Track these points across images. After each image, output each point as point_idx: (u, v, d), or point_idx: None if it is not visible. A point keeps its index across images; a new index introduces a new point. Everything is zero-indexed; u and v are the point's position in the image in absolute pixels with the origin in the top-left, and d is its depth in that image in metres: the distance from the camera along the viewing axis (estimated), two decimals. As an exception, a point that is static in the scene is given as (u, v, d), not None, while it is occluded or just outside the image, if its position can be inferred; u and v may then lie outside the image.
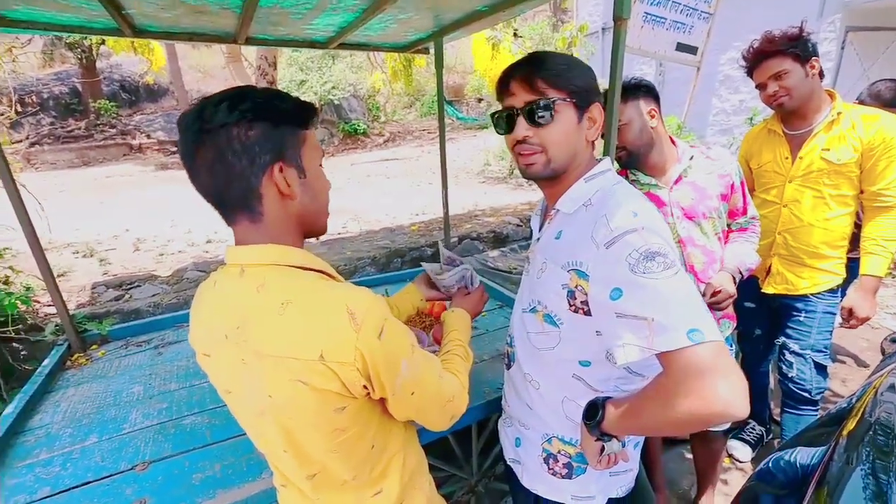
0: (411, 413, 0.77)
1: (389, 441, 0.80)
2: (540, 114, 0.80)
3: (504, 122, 0.86)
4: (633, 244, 0.71)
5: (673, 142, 1.42)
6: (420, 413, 0.78)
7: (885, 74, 2.35)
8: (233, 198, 0.67)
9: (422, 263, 1.25)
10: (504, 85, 0.86)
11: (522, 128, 0.82)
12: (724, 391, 0.62)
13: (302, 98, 0.71)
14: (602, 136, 0.88)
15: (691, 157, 1.40)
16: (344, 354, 0.63)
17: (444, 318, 1.06)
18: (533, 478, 1.00)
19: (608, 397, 0.82)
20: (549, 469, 0.97)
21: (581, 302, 0.80)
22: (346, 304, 0.64)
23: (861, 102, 2.10)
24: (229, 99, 0.64)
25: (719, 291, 1.33)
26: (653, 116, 1.36)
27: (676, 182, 1.39)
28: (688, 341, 0.64)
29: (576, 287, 0.79)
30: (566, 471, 0.95)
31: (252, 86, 0.69)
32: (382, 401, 0.74)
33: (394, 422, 0.81)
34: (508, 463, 1.10)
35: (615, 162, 1.44)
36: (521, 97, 0.82)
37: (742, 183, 1.44)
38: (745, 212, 1.47)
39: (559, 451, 0.95)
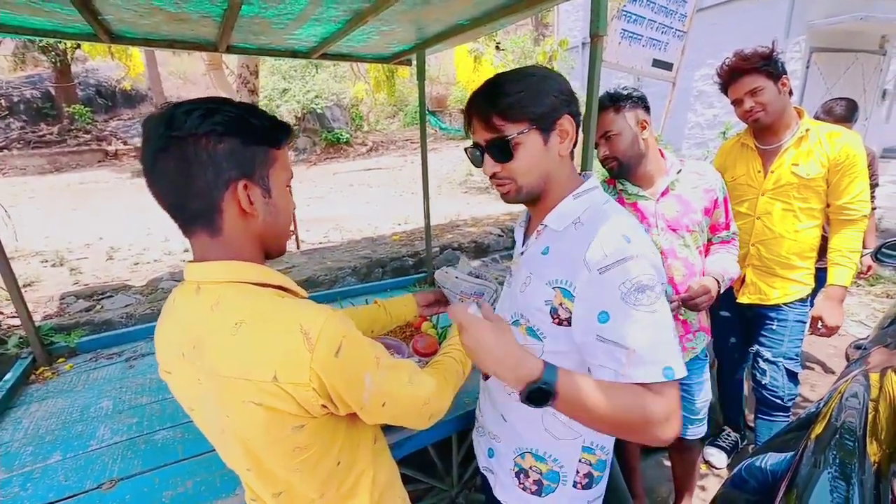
0: (387, 420, 0.76)
1: (357, 457, 0.78)
2: (500, 151, 0.81)
3: (475, 156, 0.87)
4: (627, 273, 0.72)
5: (662, 154, 1.45)
6: (396, 418, 0.77)
7: (846, 92, 2.52)
8: (192, 210, 0.65)
9: (436, 273, 1.20)
10: (467, 120, 0.86)
11: (489, 164, 0.83)
12: (674, 427, 0.70)
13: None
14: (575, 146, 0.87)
15: (679, 171, 1.42)
16: (298, 375, 0.61)
17: (451, 328, 1.04)
18: (504, 490, 1.00)
19: (556, 378, 0.69)
20: (519, 483, 0.97)
21: (564, 318, 0.81)
22: (299, 324, 0.62)
23: (817, 118, 2.25)
24: (202, 108, 0.62)
25: (696, 287, 1.35)
26: (644, 128, 1.38)
27: (663, 194, 1.41)
28: (662, 377, 0.69)
29: (559, 305, 0.80)
30: (536, 487, 0.95)
31: (229, 98, 0.68)
32: (351, 415, 0.72)
33: (362, 436, 0.79)
34: (482, 471, 1.10)
35: (604, 170, 1.46)
36: (481, 135, 0.83)
37: (725, 199, 1.47)
38: (727, 227, 1.51)
39: (531, 467, 0.95)
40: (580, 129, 0.85)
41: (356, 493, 0.78)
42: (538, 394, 0.68)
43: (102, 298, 3.36)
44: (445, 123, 14.49)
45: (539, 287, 0.84)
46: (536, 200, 0.88)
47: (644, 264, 0.73)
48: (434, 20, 1.77)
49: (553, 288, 0.81)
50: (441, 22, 1.81)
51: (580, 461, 0.92)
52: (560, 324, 0.81)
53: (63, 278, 4.08)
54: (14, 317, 2.62)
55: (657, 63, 3.40)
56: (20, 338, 2.22)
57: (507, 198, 0.87)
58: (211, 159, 0.62)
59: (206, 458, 1.24)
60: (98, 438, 1.34)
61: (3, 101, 11.46)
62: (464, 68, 6.99)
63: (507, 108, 0.78)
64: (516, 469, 0.97)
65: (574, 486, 0.93)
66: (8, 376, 1.64)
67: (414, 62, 2.37)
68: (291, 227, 0.79)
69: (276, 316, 0.63)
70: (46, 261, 4.54)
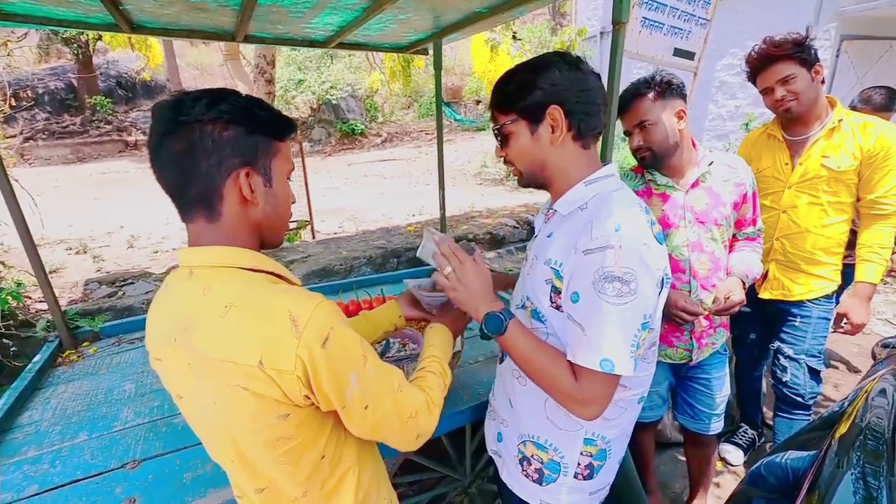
0: (366, 429, 0.72)
1: (343, 454, 0.76)
2: (499, 138, 0.91)
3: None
4: (603, 260, 0.75)
5: (693, 145, 1.40)
6: (378, 429, 0.73)
7: (879, 82, 2.40)
8: (194, 194, 0.66)
9: (405, 280, 1.19)
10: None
11: (498, 150, 0.95)
12: (591, 412, 0.80)
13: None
14: (579, 135, 0.86)
15: (710, 163, 1.38)
16: (283, 362, 0.61)
17: (425, 333, 1.00)
18: (510, 474, 1.03)
19: (511, 316, 0.86)
20: (522, 470, 1.00)
21: (559, 300, 0.84)
22: (288, 310, 0.62)
23: (853, 108, 2.15)
24: (209, 96, 0.64)
25: (728, 298, 1.31)
26: (681, 118, 1.33)
27: (693, 186, 1.37)
28: (597, 367, 0.76)
29: (556, 285, 0.84)
30: (537, 476, 0.97)
31: (236, 90, 0.69)
32: (337, 413, 0.70)
33: (349, 433, 0.76)
34: (491, 454, 1.12)
35: (637, 160, 1.41)
36: (491, 125, 0.94)
37: (754, 194, 1.43)
38: (754, 222, 1.46)
39: (532, 455, 0.97)
40: (568, 117, 0.83)
41: (340, 491, 0.76)
42: (493, 320, 0.84)
43: (124, 285, 3.45)
44: (460, 115, 14.38)
45: (540, 267, 0.88)
46: (544, 186, 0.92)
47: (624, 256, 0.74)
48: (451, 8, 1.75)
49: (550, 267, 0.85)
50: (458, 10, 1.79)
51: (582, 453, 0.93)
52: (557, 308, 0.85)
53: (86, 265, 4.20)
54: (41, 301, 2.71)
55: (679, 52, 3.30)
56: (48, 322, 2.29)
57: (517, 181, 0.96)
58: (215, 145, 0.64)
59: (225, 441, 1.27)
60: (121, 420, 1.38)
61: (29, 92, 11.74)
62: (480, 58, 6.89)
63: (499, 102, 0.89)
64: (520, 456, 1.00)
65: (575, 476, 0.94)
66: (37, 358, 1.70)
67: (430, 51, 2.35)
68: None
69: (266, 301, 0.63)
70: (70, 248, 4.68)
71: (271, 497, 0.73)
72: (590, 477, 0.95)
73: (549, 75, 0.83)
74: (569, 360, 0.80)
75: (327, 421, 0.72)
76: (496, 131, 0.90)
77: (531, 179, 0.92)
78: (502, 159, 0.94)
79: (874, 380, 1.29)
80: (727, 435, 2.21)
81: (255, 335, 0.61)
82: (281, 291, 0.65)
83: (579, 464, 0.93)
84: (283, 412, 0.64)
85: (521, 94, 0.85)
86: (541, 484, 0.97)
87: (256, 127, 0.67)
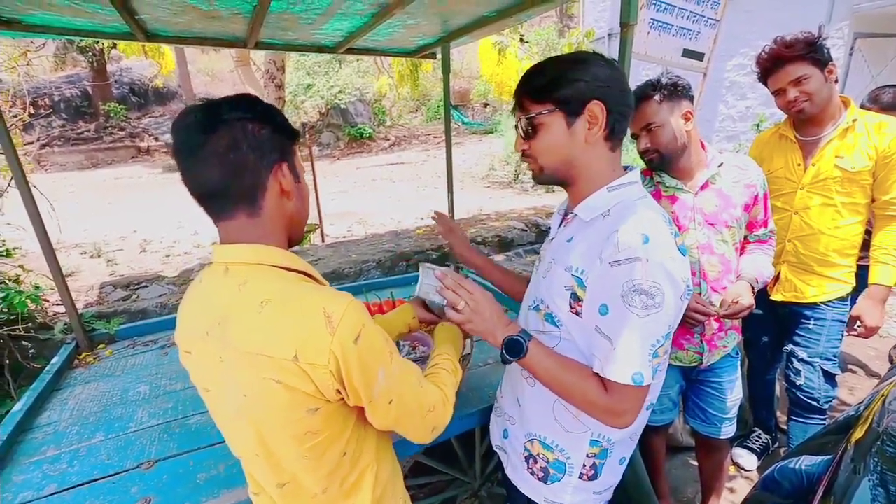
0: (390, 422, 0.75)
1: (363, 451, 0.78)
2: (526, 129, 0.86)
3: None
4: (632, 273, 0.74)
5: (703, 146, 1.39)
6: (399, 423, 0.76)
7: (894, 81, 2.35)
8: (238, 188, 0.68)
9: (420, 264, 1.24)
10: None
11: (518, 142, 0.90)
12: (625, 421, 0.81)
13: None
14: (611, 134, 0.85)
15: (720, 164, 1.37)
16: (317, 356, 0.63)
17: (435, 332, 1.05)
18: (515, 471, 1.04)
19: (530, 337, 0.85)
20: (528, 468, 1.00)
21: (579, 309, 0.83)
22: (322, 307, 0.64)
23: (862, 108, 2.11)
24: (243, 99, 0.70)
25: (736, 303, 1.30)
26: (688, 119, 1.32)
27: (703, 188, 1.36)
28: (630, 381, 0.76)
29: (575, 293, 0.83)
30: (542, 474, 0.98)
31: (257, 96, 0.75)
32: (360, 409, 0.73)
33: (369, 430, 0.80)
34: (496, 449, 1.13)
35: (645, 162, 1.40)
36: (517, 115, 0.89)
37: (766, 195, 1.41)
38: (765, 224, 1.45)
39: (538, 454, 0.97)
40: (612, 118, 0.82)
41: (359, 489, 0.78)
42: (514, 344, 0.83)
43: (138, 288, 3.51)
44: (468, 118, 14.41)
45: (559, 273, 0.86)
46: (565, 185, 0.90)
47: (652, 270, 0.74)
48: (459, 12, 1.77)
49: (571, 275, 0.83)
50: (466, 14, 1.80)
51: (587, 455, 0.93)
52: (577, 314, 0.83)
53: (100, 269, 4.28)
54: (59, 305, 2.77)
55: (687, 53, 3.28)
56: (65, 324, 2.34)
57: (533, 176, 0.92)
58: (258, 141, 0.69)
59: (238, 443, 1.28)
60: (136, 421, 1.41)
61: (46, 99, 12.01)
62: (488, 61, 6.91)
63: (535, 90, 0.84)
64: (525, 454, 1.00)
65: (580, 477, 0.95)
66: (55, 360, 1.73)
67: (439, 55, 2.36)
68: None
69: (301, 298, 0.66)
70: (85, 252, 4.77)
71: (292, 492, 0.75)
72: (594, 477, 0.95)
73: (591, 69, 0.81)
74: (596, 373, 0.80)
75: (350, 417, 0.74)
76: (526, 121, 0.85)
77: (552, 175, 0.88)
78: (521, 153, 0.90)
79: (891, 384, 1.27)
80: (740, 439, 2.18)
81: (290, 330, 0.63)
82: (314, 289, 0.68)
83: (584, 464, 0.94)
84: (313, 406, 0.67)
85: (562, 83, 0.81)
86: (546, 482, 0.97)
87: (280, 128, 0.72)
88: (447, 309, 0.90)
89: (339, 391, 0.67)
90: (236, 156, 0.67)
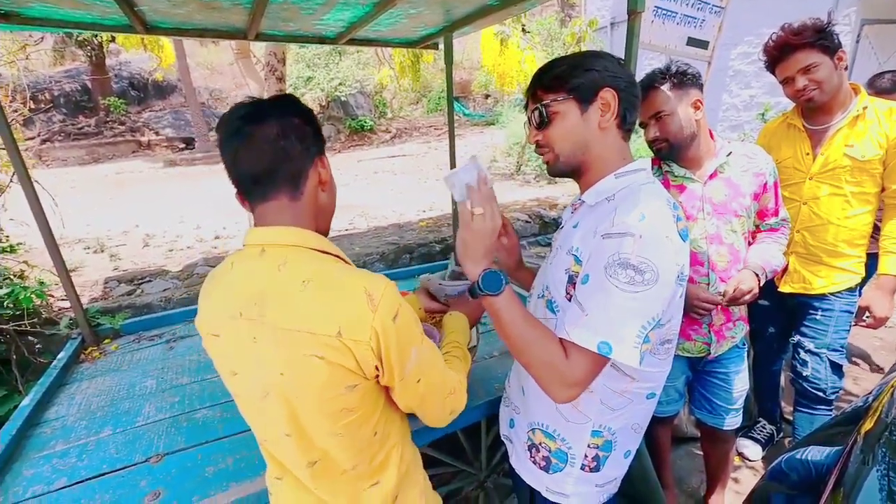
0: (415, 402, 0.78)
1: (391, 430, 0.81)
2: (540, 118, 0.87)
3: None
4: (620, 246, 0.74)
5: (711, 135, 1.37)
6: (423, 403, 0.79)
7: (902, 68, 2.32)
8: (284, 173, 0.73)
9: (419, 277, 1.26)
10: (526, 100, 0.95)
11: (532, 132, 0.91)
12: (569, 395, 0.77)
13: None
14: (623, 122, 0.87)
15: (729, 153, 1.35)
16: (360, 332, 0.66)
17: (443, 321, 1.07)
18: (519, 460, 1.05)
19: (506, 282, 0.80)
20: (530, 457, 1.02)
21: (573, 291, 0.83)
22: (364, 286, 0.68)
23: None
24: (288, 98, 0.78)
25: (737, 288, 1.29)
26: (697, 108, 1.30)
27: (711, 177, 1.35)
28: (594, 348, 0.73)
29: (574, 272, 0.84)
30: (544, 463, 0.99)
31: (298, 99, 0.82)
32: (387, 389, 0.77)
33: (395, 411, 0.83)
34: (503, 438, 1.15)
35: (653, 151, 1.39)
36: (529, 107, 0.91)
37: (776, 184, 1.40)
38: (776, 213, 1.43)
39: (540, 443, 0.99)
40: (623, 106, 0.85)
41: (386, 466, 0.81)
42: (493, 278, 0.78)
43: (142, 283, 3.51)
44: (469, 109, 14.31)
45: (561, 257, 0.88)
46: (578, 174, 0.90)
47: (644, 246, 0.73)
48: (462, 2, 1.74)
49: (570, 254, 0.85)
50: (469, 3, 1.77)
51: (589, 445, 0.93)
52: (570, 300, 0.84)
53: (104, 264, 4.28)
54: (63, 300, 2.77)
55: (692, 41, 3.24)
56: (70, 319, 2.34)
57: (548, 167, 0.92)
58: (304, 135, 0.75)
59: (246, 436, 1.29)
60: (144, 415, 1.41)
61: (46, 94, 11.97)
62: (489, 52, 6.82)
63: (550, 80, 0.86)
64: (528, 442, 1.01)
65: (582, 468, 0.95)
66: (61, 355, 1.74)
67: (441, 46, 2.34)
68: None
69: (342, 278, 0.69)
70: (88, 247, 4.77)
71: (322, 469, 0.76)
72: (596, 469, 0.95)
73: (602, 61, 0.85)
74: (560, 338, 0.78)
75: (381, 398, 0.77)
76: (540, 110, 0.87)
77: (568, 163, 0.88)
78: (535, 144, 0.91)
79: (900, 374, 1.26)
80: (745, 430, 2.18)
81: (334, 307, 0.66)
82: (353, 270, 0.72)
83: (586, 455, 0.94)
84: (351, 382, 0.70)
85: (575, 73, 0.84)
86: (547, 472, 0.98)
87: (318, 128, 0.80)
88: (461, 206, 0.83)
89: (376, 367, 0.70)
90: (286, 143, 0.72)
